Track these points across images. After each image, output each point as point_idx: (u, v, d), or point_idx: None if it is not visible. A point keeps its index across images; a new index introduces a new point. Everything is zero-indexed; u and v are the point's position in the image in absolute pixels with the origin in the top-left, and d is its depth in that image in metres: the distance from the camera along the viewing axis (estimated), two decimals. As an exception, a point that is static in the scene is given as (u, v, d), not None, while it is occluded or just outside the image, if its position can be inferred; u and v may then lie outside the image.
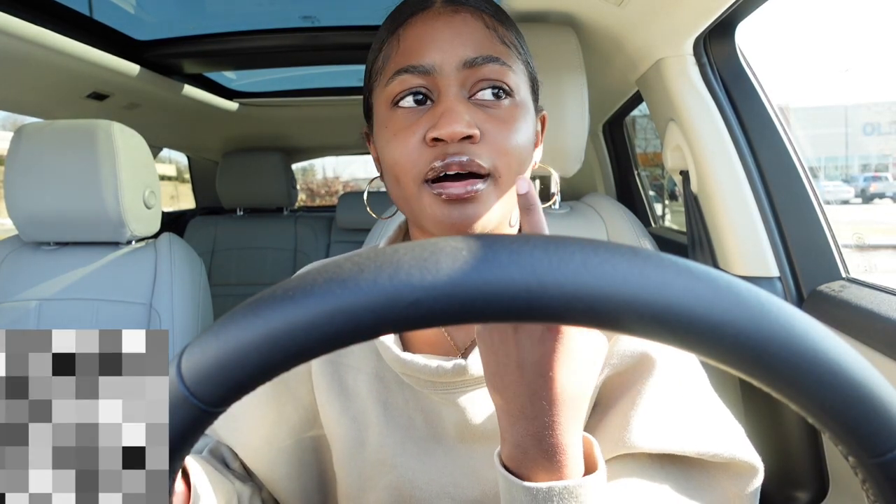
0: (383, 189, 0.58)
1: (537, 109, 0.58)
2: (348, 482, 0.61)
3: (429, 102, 0.52)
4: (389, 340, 0.56)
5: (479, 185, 0.49)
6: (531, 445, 0.40)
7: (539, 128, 0.60)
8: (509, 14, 1.14)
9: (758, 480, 0.49)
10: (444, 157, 0.49)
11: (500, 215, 0.52)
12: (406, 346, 0.59)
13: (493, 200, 0.51)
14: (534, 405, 0.39)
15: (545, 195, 1.19)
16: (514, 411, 0.40)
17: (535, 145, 0.59)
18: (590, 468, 0.42)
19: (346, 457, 0.60)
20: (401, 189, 0.53)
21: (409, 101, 0.52)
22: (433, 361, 0.54)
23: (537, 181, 1.23)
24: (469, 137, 0.49)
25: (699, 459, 0.50)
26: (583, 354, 0.40)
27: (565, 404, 0.39)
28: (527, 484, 0.39)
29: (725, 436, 0.49)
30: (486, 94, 0.51)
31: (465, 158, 0.49)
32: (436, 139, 0.49)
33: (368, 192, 0.69)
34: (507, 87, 0.51)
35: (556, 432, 0.39)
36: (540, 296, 0.23)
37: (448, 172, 0.49)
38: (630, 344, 0.53)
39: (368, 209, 0.66)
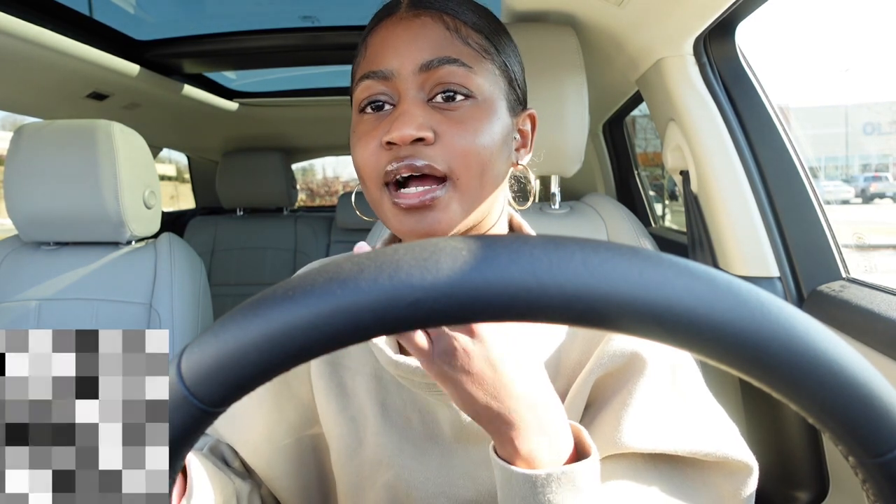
0: None
1: (517, 110, 0.57)
2: (346, 481, 0.61)
3: (388, 108, 0.52)
4: (383, 343, 0.56)
5: (437, 192, 0.50)
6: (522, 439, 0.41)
7: (528, 127, 0.60)
8: (509, 14, 1.14)
9: (753, 479, 0.49)
10: (400, 160, 0.50)
11: (466, 221, 0.52)
12: (402, 349, 0.60)
13: (455, 205, 0.51)
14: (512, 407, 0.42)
15: (545, 195, 1.19)
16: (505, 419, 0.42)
17: (522, 146, 0.59)
18: (583, 455, 0.43)
19: (344, 456, 0.61)
20: (368, 193, 0.54)
21: (370, 108, 0.53)
22: None
23: (537, 181, 1.23)
24: (422, 140, 0.49)
25: (693, 458, 0.50)
26: (505, 344, 0.42)
27: (529, 393, 0.42)
28: (526, 471, 0.40)
29: (718, 435, 0.49)
30: (444, 97, 0.51)
31: (418, 162, 0.49)
32: (389, 143, 0.50)
33: (356, 195, 0.69)
34: (465, 90, 0.51)
35: (543, 421, 0.42)
36: (540, 296, 0.23)
37: (402, 175, 0.50)
38: (621, 344, 0.53)
39: (357, 212, 0.66)
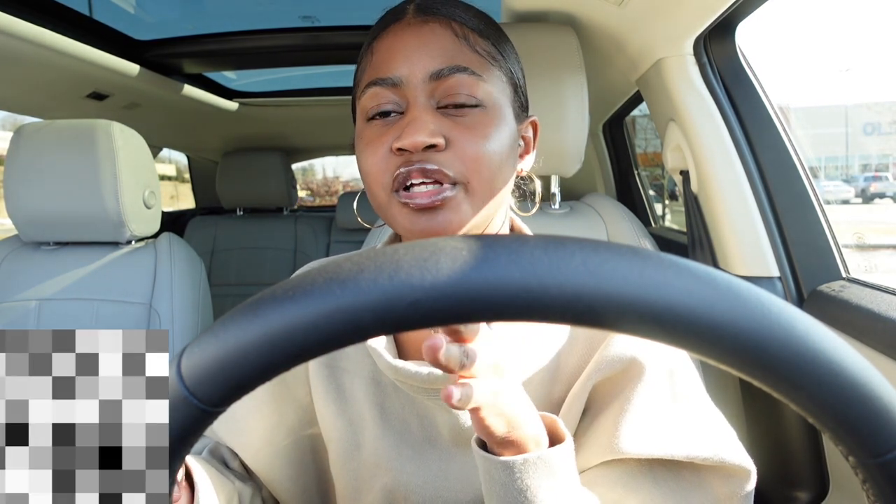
0: None
1: (521, 116, 0.57)
2: (344, 484, 0.61)
3: (394, 115, 0.52)
4: (381, 347, 0.56)
5: (448, 192, 0.50)
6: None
7: (530, 134, 0.60)
8: (509, 14, 1.14)
9: (751, 482, 0.49)
10: (410, 165, 0.50)
11: (474, 223, 0.52)
12: (400, 352, 0.60)
13: (466, 207, 0.51)
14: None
15: (544, 196, 1.19)
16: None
17: (525, 153, 0.59)
18: (558, 442, 0.45)
19: (342, 459, 0.61)
20: (374, 198, 0.54)
21: (377, 116, 0.53)
22: (424, 368, 0.54)
23: (538, 181, 1.23)
24: (433, 146, 0.49)
25: (689, 462, 0.50)
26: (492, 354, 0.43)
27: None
28: (504, 458, 0.42)
29: (715, 439, 0.49)
30: (454, 104, 0.51)
31: (429, 166, 0.49)
32: (400, 149, 0.50)
33: (359, 202, 0.69)
34: (475, 99, 0.51)
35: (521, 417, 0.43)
36: (540, 296, 0.23)
37: (413, 181, 0.50)
38: (620, 349, 0.53)
39: (359, 219, 0.66)
